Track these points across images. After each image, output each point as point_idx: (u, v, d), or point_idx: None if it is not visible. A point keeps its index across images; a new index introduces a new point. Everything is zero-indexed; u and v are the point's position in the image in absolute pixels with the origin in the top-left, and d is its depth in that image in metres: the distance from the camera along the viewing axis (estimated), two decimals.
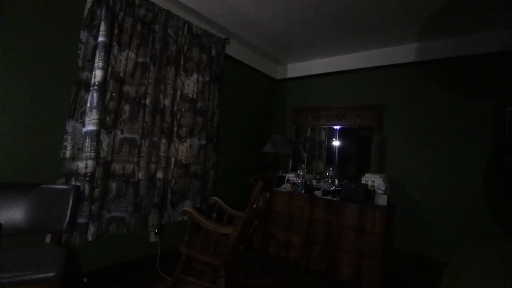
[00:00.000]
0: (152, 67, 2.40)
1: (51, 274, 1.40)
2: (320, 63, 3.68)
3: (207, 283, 2.12)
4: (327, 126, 3.52)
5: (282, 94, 4.07)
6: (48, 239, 1.89)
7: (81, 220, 1.98)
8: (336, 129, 3.45)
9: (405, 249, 2.81)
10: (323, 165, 3.55)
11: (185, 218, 2.67)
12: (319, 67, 3.69)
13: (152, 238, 2.54)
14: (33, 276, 1.38)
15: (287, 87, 4.03)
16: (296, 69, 3.94)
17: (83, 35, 2.02)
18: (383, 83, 3.14)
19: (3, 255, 1.53)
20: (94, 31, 2.06)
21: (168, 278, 2.26)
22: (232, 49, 3.29)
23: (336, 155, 3.45)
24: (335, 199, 2.72)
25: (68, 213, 1.81)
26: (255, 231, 2.99)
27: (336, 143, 3.47)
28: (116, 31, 2.16)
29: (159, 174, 2.46)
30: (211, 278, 2.31)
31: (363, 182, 2.75)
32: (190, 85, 2.72)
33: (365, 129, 3.21)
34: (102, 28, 2.05)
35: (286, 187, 3.20)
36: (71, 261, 2.01)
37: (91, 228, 2.03)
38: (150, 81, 2.39)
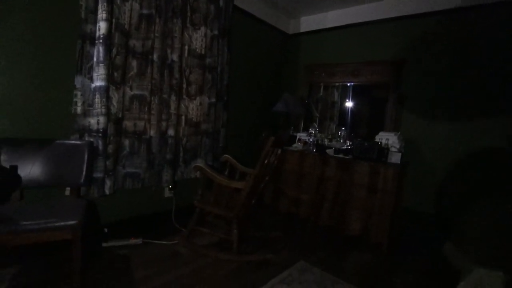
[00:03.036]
0: (157, 20, 2.27)
1: (72, 222, 1.48)
2: (336, 15, 3.42)
3: (220, 234, 2.22)
4: (341, 84, 3.37)
5: (294, 50, 3.86)
6: (67, 192, 1.97)
7: (98, 174, 2.04)
8: (350, 86, 3.30)
9: (415, 207, 2.83)
10: (335, 126, 3.48)
11: (197, 174, 2.72)
12: (335, 19, 3.43)
13: (167, 193, 2.63)
14: (56, 224, 1.45)
15: (300, 42, 3.81)
16: (310, 22, 3.69)
17: None
18: (405, 35, 2.91)
19: (27, 206, 1.61)
20: None
21: (183, 230, 2.37)
22: (242, 0, 3.07)
23: (349, 116, 3.35)
24: (347, 157, 2.70)
25: (85, 167, 1.86)
26: (266, 187, 3.05)
27: (349, 104, 3.35)
28: None
29: (170, 132, 2.46)
30: (224, 230, 2.41)
31: (377, 140, 2.69)
32: (198, 39, 2.60)
33: (382, 87, 3.05)
34: None
35: (297, 146, 3.18)
36: (90, 211, 2.12)
37: (108, 182, 2.10)
38: (157, 34, 2.28)
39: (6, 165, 1.63)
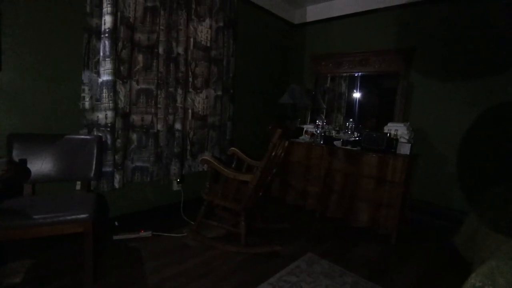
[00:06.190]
0: (162, 12, 2.26)
1: (84, 216, 1.50)
2: (342, 3, 3.33)
3: (228, 227, 2.24)
4: (348, 74, 3.31)
5: (300, 40, 3.80)
6: (78, 186, 2.00)
7: (107, 168, 2.06)
8: (358, 76, 3.24)
9: (424, 198, 2.80)
10: (342, 118, 3.44)
11: (205, 167, 2.73)
12: (341, 7, 3.35)
13: (175, 186, 2.65)
14: (68, 217, 1.48)
15: (306, 33, 3.74)
16: (316, 11, 3.61)
17: None
18: (414, 23, 2.82)
19: (40, 200, 1.64)
20: None
21: (192, 223, 2.40)
22: None
23: (357, 107, 3.30)
24: (355, 149, 2.67)
25: (94, 162, 1.89)
26: (274, 180, 3.05)
27: (357, 94, 3.30)
28: None
29: (178, 125, 2.46)
30: (232, 222, 2.43)
31: (385, 131, 2.65)
32: (203, 31, 2.57)
33: (390, 77, 2.99)
34: None
35: (304, 138, 3.16)
36: (101, 205, 2.15)
37: (117, 176, 2.13)
38: (162, 27, 2.27)
39: (17, 159, 1.67)
